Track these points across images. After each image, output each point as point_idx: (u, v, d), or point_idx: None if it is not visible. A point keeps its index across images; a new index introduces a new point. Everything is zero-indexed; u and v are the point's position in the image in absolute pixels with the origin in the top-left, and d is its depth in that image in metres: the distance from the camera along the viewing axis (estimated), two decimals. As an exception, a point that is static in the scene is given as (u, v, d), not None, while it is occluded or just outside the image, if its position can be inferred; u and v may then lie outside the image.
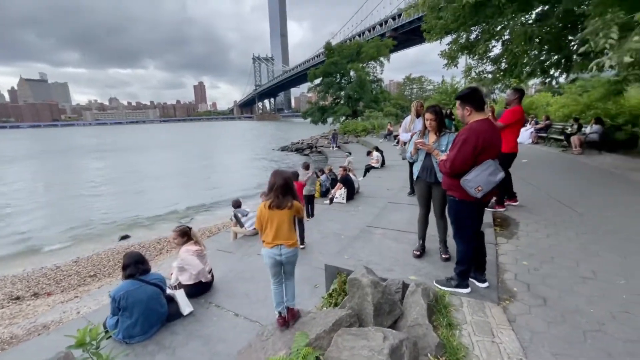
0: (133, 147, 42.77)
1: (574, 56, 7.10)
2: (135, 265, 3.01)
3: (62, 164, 27.48)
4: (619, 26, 3.51)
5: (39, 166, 26.66)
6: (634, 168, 7.06)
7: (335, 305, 2.84)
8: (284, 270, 2.63)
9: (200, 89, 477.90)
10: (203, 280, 3.77)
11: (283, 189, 2.51)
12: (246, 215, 6.31)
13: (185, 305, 3.44)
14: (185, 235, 3.87)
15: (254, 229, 6.16)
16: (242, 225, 6.23)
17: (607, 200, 4.91)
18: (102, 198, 14.44)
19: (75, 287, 6.44)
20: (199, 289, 3.78)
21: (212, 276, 4.01)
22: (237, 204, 6.59)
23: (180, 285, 3.72)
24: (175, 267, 3.83)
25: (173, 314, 3.33)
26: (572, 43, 7.10)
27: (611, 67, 4.19)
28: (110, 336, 2.91)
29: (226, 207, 11.08)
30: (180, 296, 3.46)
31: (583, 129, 9.91)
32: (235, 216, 6.31)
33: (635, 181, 5.99)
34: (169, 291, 3.45)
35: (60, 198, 14.79)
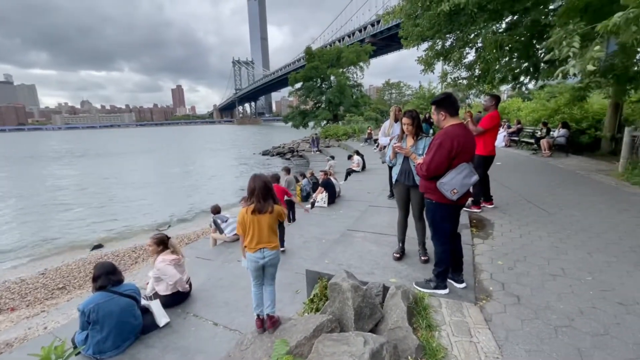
0: (107, 152, 41.11)
1: (541, 64, 7.49)
2: (107, 276, 2.86)
3: (29, 170, 26.01)
4: (581, 36, 3.72)
5: (3, 173, 25.10)
6: (597, 170, 7.49)
7: (317, 310, 2.82)
8: (265, 273, 2.62)
9: (178, 93, 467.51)
10: (180, 289, 3.65)
11: (263, 193, 2.48)
12: (226, 221, 6.18)
13: (161, 316, 3.31)
14: (162, 243, 3.73)
15: (234, 235, 6.04)
16: (221, 232, 6.09)
17: (574, 200, 5.17)
18: (72, 206, 13.73)
19: (42, 300, 6.07)
20: (176, 299, 3.65)
21: (190, 285, 3.88)
22: (216, 210, 6.45)
23: (156, 295, 3.58)
24: (152, 277, 3.69)
25: (148, 325, 3.19)
26: (539, 52, 7.48)
27: (574, 74, 4.45)
28: (79, 352, 2.75)
29: (205, 214, 10.82)
30: (156, 307, 3.33)
31: (551, 132, 10.44)
32: (215, 222, 6.17)
33: (599, 182, 6.36)
34: (143, 302, 3.31)
35: (25, 206, 13.94)
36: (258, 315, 2.62)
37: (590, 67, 3.53)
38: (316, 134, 27.59)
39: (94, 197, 15.19)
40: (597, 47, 3.49)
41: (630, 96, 8.85)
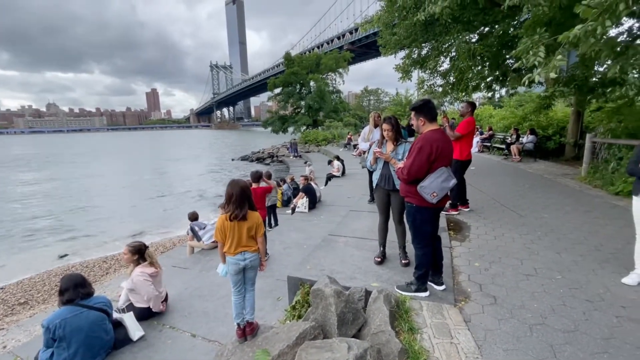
0: (75, 158, 39.06)
1: (510, 72, 7.89)
2: (75, 289, 2.67)
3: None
4: (545, 46, 3.96)
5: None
6: (563, 173, 7.95)
7: (299, 317, 2.78)
8: (245, 278, 2.61)
9: (153, 96, 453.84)
10: (154, 309, 3.46)
11: (240, 199, 2.47)
12: (204, 228, 6.00)
13: (135, 329, 3.14)
14: (139, 253, 3.51)
15: (213, 242, 5.88)
16: (199, 239, 5.90)
17: (543, 202, 5.44)
18: (37, 214, 12.90)
19: (1, 317, 5.61)
20: (152, 311, 3.48)
21: (167, 297, 3.72)
22: (193, 217, 6.25)
23: (129, 308, 3.40)
24: (125, 288, 3.50)
25: (121, 340, 3.02)
26: (507, 61, 7.89)
27: (540, 82, 4.70)
28: (44, 372, 2.55)
29: (182, 221, 10.47)
30: (129, 320, 3.16)
31: (521, 138, 10.98)
32: (192, 229, 5.97)
33: (564, 185, 6.73)
34: (115, 315, 3.13)
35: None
36: (239, 325, 2.58)
37: (552, 75, 3.76)
38: (294, 139, 27.60)
39: (61, 204, 14.34)
40: (560, 57, 3.72)
41: (590, 105, 9.47)
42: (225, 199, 2.53)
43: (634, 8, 3.17)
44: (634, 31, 5.38)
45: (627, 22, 5.58)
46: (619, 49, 4.19)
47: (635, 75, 4.22)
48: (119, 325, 3.09)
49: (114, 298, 4.18)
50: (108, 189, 17.82)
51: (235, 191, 2.47)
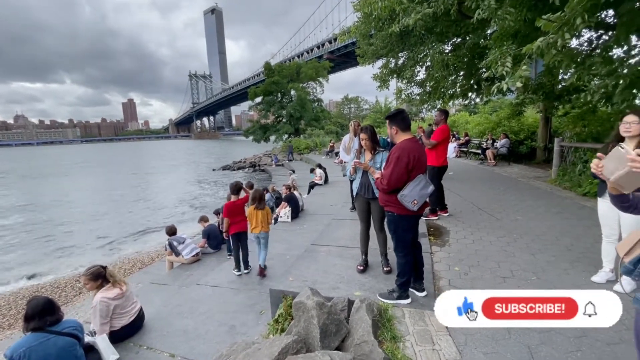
0: (45, 171, 37.28)
1: (482, 82, 8.23)
2: (42, 317, 2.47)
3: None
4: (512, 57, 4.17)
5: None
6: (535, 176, 8.29)
7: (282, 331, 2.74)
8: (260, 244, 4.44)
9: (130, 107, 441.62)
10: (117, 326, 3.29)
11: (260, 198, 4.38)
12: (183, 242, 5.82)
13: (109, 353, 2.98)
14: (100, 277, 3.28)
15: (193, 256, 5.73)
16: (177, 254, 5.72)
17: (517, 205, 5.64)
18: (2, 231, 12.16)
19: (-39, 347, 5.20)
20: (127, 332, 3.33)
21: (143, 314, 3.57)
22: (171, 231, 6.05)
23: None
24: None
25: (93, 365, 2.86)
26: (480, 71, 8.22)
27: (510, 90, 4.92)
28: (7, 406, 2.37)
29: (162, 234, 10.15)
30: (103, 343, 3.00)
31: (495, 143, 11.40)
32: (170, 245, 5.78)
33: (537, 187, 7.02)
34: (87, 339, 2.96)
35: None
36: (260, 266, 4.46)
37: (519, 84, 3.96)
38: (290, 144, 27.61)
39: (27, 219, 13.59)
40: (525, 67, 3.93)
41: (558, 111, 9.98)
42: (251, 198, 4.43)
43: (591, 22, 3.39)
44: (593, 42, 5.75)
45: (587, 34, 5.97)
46: (578, 59, 4.47)
47: (596, 82, 4.49)
48: (91, 349, 2.93)
49: (87, 319, 3.97)
50: (83, 203, 17.08)
51: (257, 195, 4.39)
